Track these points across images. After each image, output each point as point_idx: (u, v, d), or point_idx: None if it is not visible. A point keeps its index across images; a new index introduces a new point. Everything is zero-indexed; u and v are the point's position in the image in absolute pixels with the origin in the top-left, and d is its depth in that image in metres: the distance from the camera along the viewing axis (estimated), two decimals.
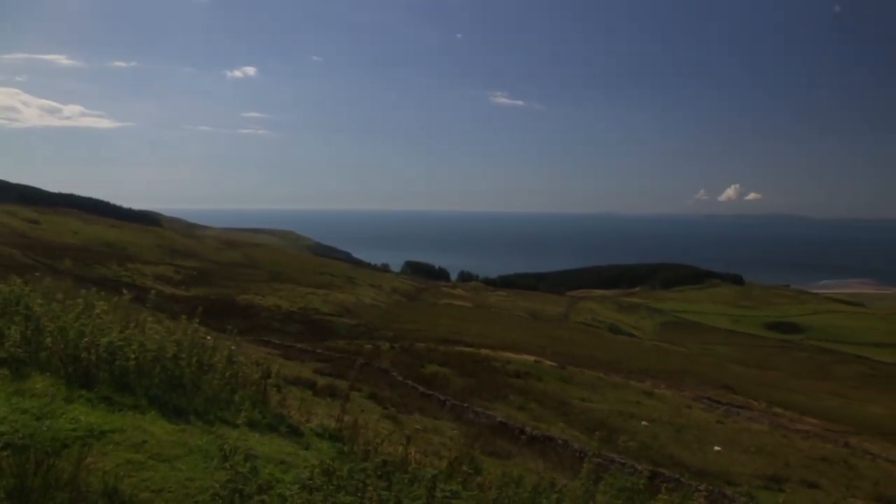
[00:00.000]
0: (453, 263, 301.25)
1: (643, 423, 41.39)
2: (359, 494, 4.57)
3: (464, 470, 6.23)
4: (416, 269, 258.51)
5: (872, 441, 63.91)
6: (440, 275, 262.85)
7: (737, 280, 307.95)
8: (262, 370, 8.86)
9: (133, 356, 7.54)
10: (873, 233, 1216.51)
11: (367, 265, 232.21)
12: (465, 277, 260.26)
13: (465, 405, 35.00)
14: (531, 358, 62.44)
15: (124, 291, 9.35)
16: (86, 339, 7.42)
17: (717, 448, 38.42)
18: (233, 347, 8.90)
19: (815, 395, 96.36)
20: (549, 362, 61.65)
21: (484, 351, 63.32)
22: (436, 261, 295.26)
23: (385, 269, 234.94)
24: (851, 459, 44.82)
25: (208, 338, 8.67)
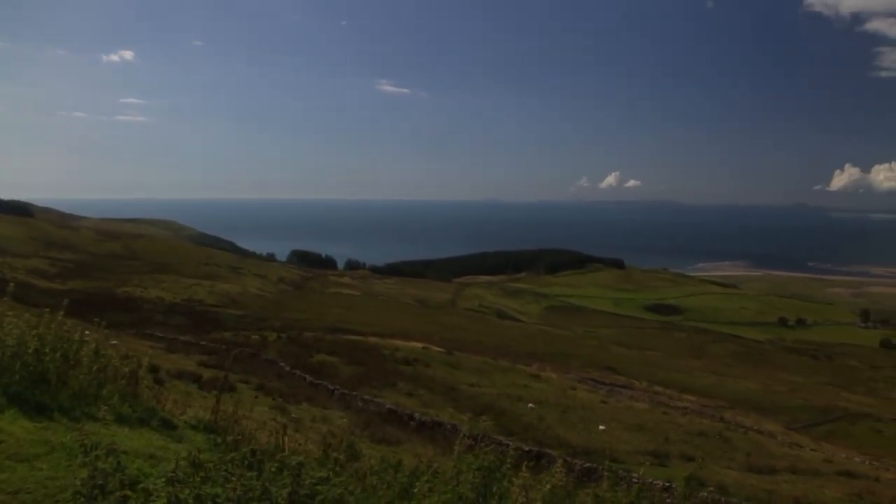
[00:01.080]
0: (340, 252, 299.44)
1: (530, 405, 42.00)
2: (226, 485, 4.40)
3: (335, 456, 6.11)
4: (302, 258, 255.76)
5: (745, 415, 66.98)
6: (327, 263, 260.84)
7: (618, 264, 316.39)
8: (133, 363, 8.48)
9: None
10: (744, 218, 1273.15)
11: (253, 255, 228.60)
12: (353, 266, 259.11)
13: (355, 393, 34.80)
14: (419, 345, 62.58)
15: None
16: None
17: (601, 427, 39.33)
18: (114, 342, 8.51)
19: (692, 373, 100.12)
20: (437, 349, 61.93)
21: (372, 339, 63.17)
22: (323, 249, 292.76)
23: (271, 258, 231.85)
24: (726, 433, 46.75)
25: (87, 332, 8.27)
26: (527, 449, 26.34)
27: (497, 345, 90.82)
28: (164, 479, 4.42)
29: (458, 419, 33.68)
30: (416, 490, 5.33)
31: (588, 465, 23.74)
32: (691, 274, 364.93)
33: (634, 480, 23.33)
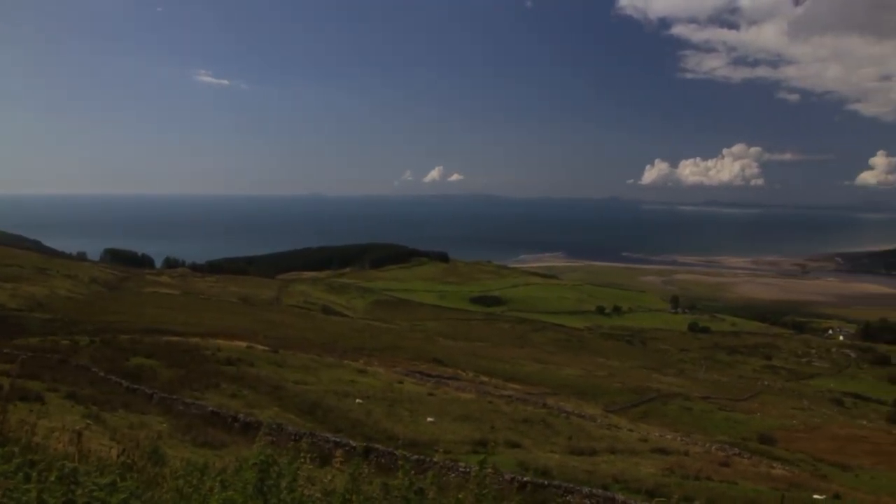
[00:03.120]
0: (158, 250, 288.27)
1: (358, 400, 41.77)
2: None
3: (124, 461, 5.65)
4: (116, 257, 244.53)
5: (567, 400, 69.54)
6: (144, 262, 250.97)
7: (442, 258, 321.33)
8: None
9: None
10: (563, 211, 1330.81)
11: (61, 254, 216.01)
12: (171, 264, 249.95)
13: (175, 397, 33.39)
14: (243, 344, 61.14)
15: None
16: None
17: (429, 419, 39.62)
18: None
19: (516, 362, 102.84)
20: (261, 347, 60.70)
21: (193, 339, 61.04)
22: (138, 247, 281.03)
23: (82, 258, 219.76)
24: (549, 418, 48.38)
25: None
26: (354, 444, 26.09)
27: (323, 341, 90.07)
28: None
29: (284, 418, 33.02)
30: (214, 491, 5.03)
31: (416, 457, 23.73)
32: (513, 265, 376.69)
33: (461, 469, 23.60)
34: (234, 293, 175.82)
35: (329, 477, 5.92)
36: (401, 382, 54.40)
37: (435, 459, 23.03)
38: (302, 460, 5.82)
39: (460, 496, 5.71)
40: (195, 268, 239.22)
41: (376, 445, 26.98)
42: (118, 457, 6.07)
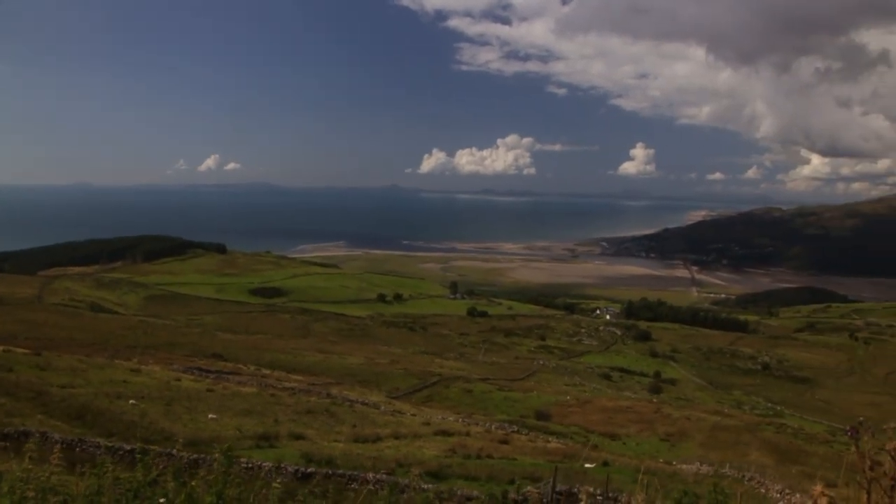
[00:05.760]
0: None
1: (131, 401, 39.78)
2: None
3: None
4: None
5: (351, 389, 69.80)
6: None
7: (220, 249, 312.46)
8: None
9: None
10: (343, 200, 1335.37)
11: None
12: None
13: None
14: None
15: None
16: None
17: (211, 416, 38.45)
18: None
19: (299, 353, 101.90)
20: (21, 350, 56.54)
21: None
22: None
23: None
24: (333, 408, 48.40)
25: None
26: (128, 448, 24.78)
27: (93, 341, 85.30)
28: None
29: (49, 425, 30.83)
30: None
31: (195, 456, 22.87)
32: (294, 256, 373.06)
33: (243, 464, 22.99)
34: None
35: (47, 475, 5.82)
36: (178, 380, 52.47)
37: (215, 456, 22.28)
38: (27, 464, 5.77)
39: (193, 483, 5.61)
40: None
41: (152, 447, 25.73)
42: None
